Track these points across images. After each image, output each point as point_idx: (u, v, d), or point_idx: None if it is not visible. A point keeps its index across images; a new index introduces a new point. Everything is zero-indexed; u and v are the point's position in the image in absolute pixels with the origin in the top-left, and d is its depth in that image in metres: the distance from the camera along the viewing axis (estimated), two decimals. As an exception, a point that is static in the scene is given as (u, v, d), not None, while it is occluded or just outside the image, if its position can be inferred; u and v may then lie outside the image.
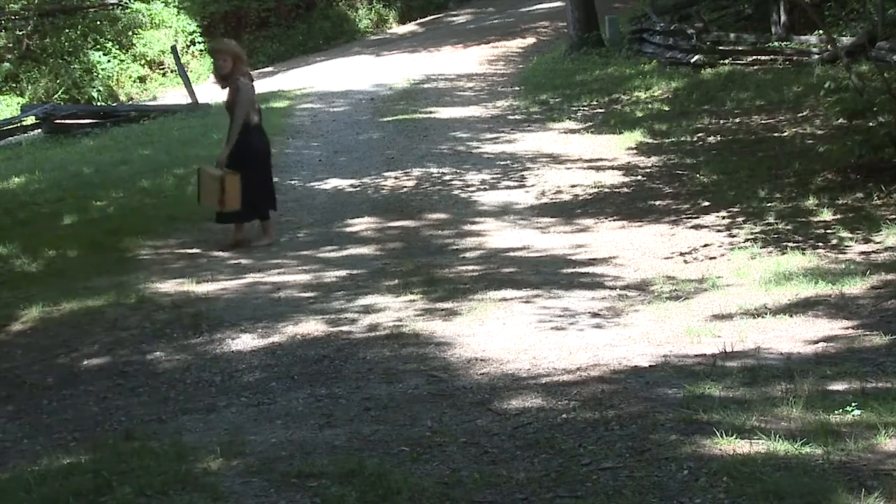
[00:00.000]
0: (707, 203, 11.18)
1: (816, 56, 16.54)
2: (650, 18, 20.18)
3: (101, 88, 23.70)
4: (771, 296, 8.10)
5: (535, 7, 28.36)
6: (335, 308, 8.53)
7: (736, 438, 5.15)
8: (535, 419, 5.80)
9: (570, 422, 5.70)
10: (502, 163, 13.85)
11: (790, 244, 9.48)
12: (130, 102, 23.24)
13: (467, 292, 8.70)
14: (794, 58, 16.94)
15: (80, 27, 24.95)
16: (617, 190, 12.16)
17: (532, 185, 12.69)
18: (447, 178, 13.26)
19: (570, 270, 9.41)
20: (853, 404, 5.53)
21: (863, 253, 9.15)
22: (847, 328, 7.28)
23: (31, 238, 11.34)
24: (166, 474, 5.25)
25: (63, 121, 19.67)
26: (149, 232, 11.47)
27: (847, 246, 9.36)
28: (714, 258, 9.41)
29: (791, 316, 7.58)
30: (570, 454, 5.25)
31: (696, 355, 6.77)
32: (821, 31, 16.12)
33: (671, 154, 13.39)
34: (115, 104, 22.74)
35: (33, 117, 19.82)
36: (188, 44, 25.89)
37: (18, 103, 22.36)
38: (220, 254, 10.65)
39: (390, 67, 22.43)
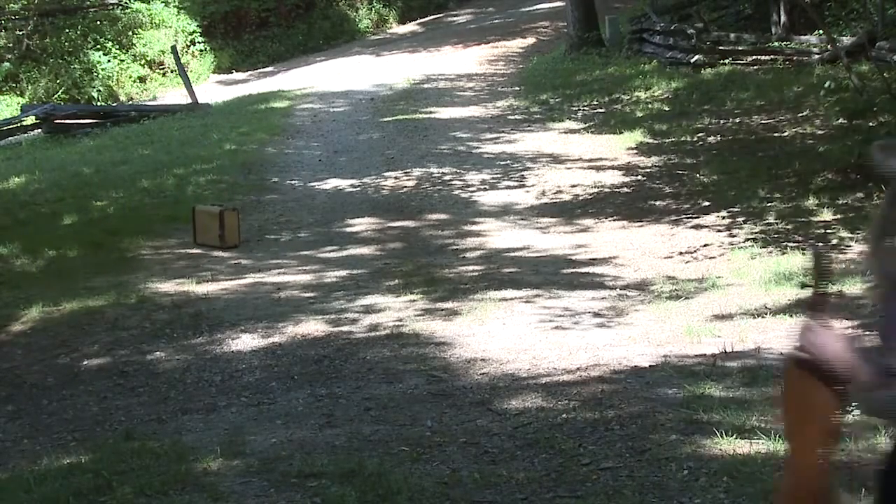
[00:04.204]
0: (707, 203, 11.17)
1: (816, 56, 16.53)
2: (650, 18, 20.16)
3: (101, 88, 23.68)
4: (771, 296, 8.10)
5: (535, 7, 28.34)
6: (335, 308, 8.53)
7: (736, 438, 5.15)
8: (535, 419, 5.80)
9: (570, 422, 5.70)
10: (502, 163, 13.85)
11: (790, 244, 9.48)
12: (130, 102, 23.20)
13: (468, 292, 8.70)
14: (794, 58, 16.93)
15: (80, 27, 24.93)
16: (617, 190, 12.16)
17: (532, 186, 12.69)
18: (447, 178, 13.25)
19: (570, 270, 9.41)
20: (853, 404, 5.52)
21: (863, 253, 9.15)
22: (847, 328, 7.27)
23: (31, 238, 11.34)
24: (166, 474, 5.25)
25: (63, 121, 19.65)
26: (149, 232, 11.46)
27: (847, 246, 9.35)
28: (714, 258, 9.41)
29: (791, 316, 7.57)
30: (570, 454, 5.25)
31: (696, 355, 6.76)
32: (821, 31, 16.11)
33: (671, 154, 13.38)
34: (115, 104, 22.71)
35: (33, 117, 19.80)
36: (188, 44, 25.86)
37: (18, 103, 22.32)
38: (221, 254, 10.65)
39: (390, 67, 22.42)
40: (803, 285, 3.13)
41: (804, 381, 2.74)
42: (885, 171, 2.64)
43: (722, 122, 14.66)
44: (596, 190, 12.22)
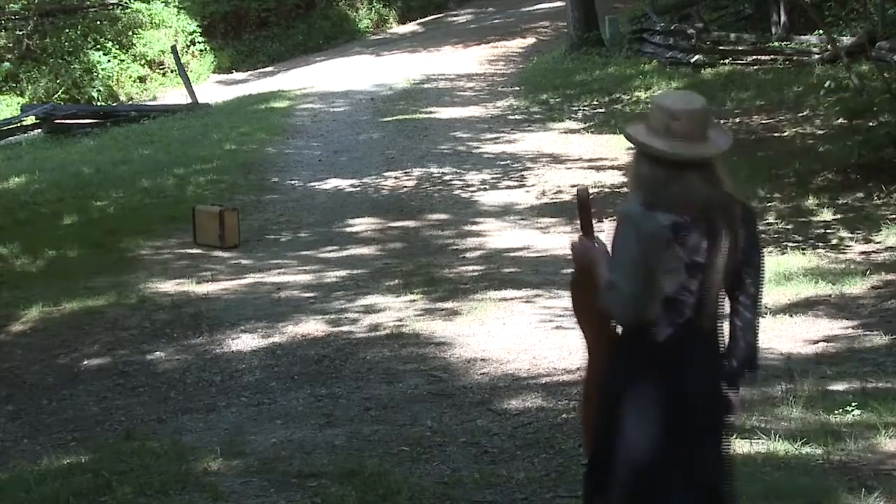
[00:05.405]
0: (707, 203, 11.15)
1: (816, 56, 16.53)
2: (650, 18, 20.15)
3: (101, 88, 23.66)
4: (771, 296, 8.09)
5: (535, 7, 28.32)
6: (335, 308, 8.53)
7: (736, 438, 5.14)
8: (535, 419, 5.80)
9: (570, 422, 5.70)
10: (503, 163, 13.84)
11: (790, 244, 9.48)
12: (130, 102, 23.18)
13: (468, 292, 8.70)
14: (794, 58, 16.93)
15: (80, 27, 24.91)
16: (617, 190, 12.14)
17: (532, 185, 12.69)
18: (447, 178, 13.25)
19: (570, 270, 9.40)
20: (853, 404, 5.53)
21: (863, 253, 9.15)
22: (847, 328, 7.28)
23: (31, 238, 11.33)
24: (166, 474, 5.25)
25: (63, 121, 19.64)
26: (149, 232, 11.46)
27: (847, 246, 9.36)
28: (714, 258, 9.40)
29: (791, 316, 7.58)
30: (570, 454, 5.26)
31: (696, 355, 6.76)
32: (821, 31, 16.11)
33: (671, 154, 13.37)
34: (115, 104, 22.69)
35: (33, 117, 19.79)
36: (188, 44, 25.83)
37: (18, 103, 22.29)
38: (221, 254, 10.65)
39: (390, 67, 22.41)
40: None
41: (583, 291, 3.61)
42: (629, 139, 3.57)
43: (722, 121, 14.65)
44: (596, 190, 12.21)
